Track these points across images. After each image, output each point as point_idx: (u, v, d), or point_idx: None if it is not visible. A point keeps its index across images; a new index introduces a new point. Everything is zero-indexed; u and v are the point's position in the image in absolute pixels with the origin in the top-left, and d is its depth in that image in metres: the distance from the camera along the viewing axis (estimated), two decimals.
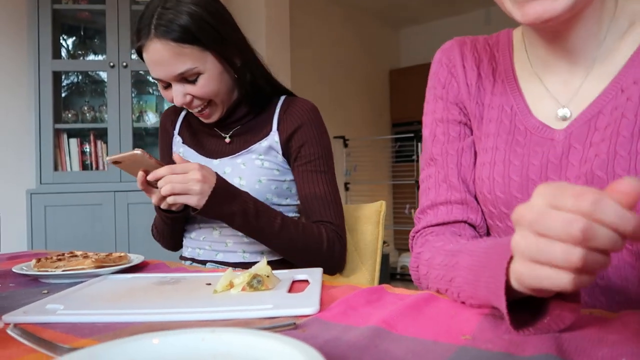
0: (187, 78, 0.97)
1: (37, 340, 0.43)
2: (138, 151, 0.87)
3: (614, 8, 0.60)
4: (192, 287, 0.67)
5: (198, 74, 0.96)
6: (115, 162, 0.90)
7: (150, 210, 1.08)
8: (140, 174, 0.91)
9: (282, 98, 1.11)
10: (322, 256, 0.98)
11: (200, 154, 1.11)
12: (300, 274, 0.73)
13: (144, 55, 0.97)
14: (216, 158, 1.09)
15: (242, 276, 0.64)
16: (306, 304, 0.54)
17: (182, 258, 1.12)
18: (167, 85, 1.00)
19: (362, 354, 0.39)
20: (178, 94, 0.98)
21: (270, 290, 0.63)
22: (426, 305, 0.52)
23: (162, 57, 0.94)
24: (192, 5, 0.94)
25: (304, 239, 0.98)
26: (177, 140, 1.16)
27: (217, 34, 0.96)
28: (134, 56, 2.73)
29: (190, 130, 1.16)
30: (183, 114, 1.19)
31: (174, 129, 1.18)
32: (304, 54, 4.17)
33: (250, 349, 0.33)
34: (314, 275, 0.71)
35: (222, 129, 1.11)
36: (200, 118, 1.07)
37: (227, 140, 1.10)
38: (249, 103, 1.08)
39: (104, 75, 2.81)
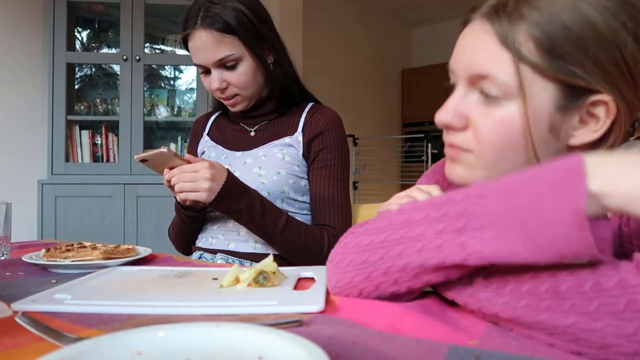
0: (225, 65, 1.05)
1: (44, 328, 0.43)
2: (164, 149, 0.91)
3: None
4: (199, 281, 0.67)
5: (235, 62, 1.05)
6: (142, 160, 0.93)
7: (159, 203, 1.10)
8: (166, 170, 0.96)
9: (310, 104, 1.18)
10: (321, 259, 1.01)
11: (225, 147, 1.18)
12: (306, 271, 0.73)
13: (189, 43, 1.06)
14: (239, 150, 1.15)
15: (248, 272, 0.64)
16: (311, 301, 0.54)
17: (195, 248, 1.15)
18: (207, 72, 1.08)
19: (367, 353, 0.38)
20: (215, 79, 1.06)
21: (275, 287, 0.63)
22: (432, 308, 0.52)
23: (204, 44, 1.03)
24: (237, 2, 1.03)
25: (305, 240, 1.02)
26: (205, 139, 1.24)
27: (255, 30, 1.05)
28: (147, 50, 2.75)
29: (219, 129, 1.24)
30: (213, 117, 1.27)
31: (204, 130, 1.26)
32: (316, 51, 4.16)
33: (254, 345, 0.33)
34: (320, 273, 0.71)
35: (248, 124, 1.18)
36: (227, 105, 1.14)
37: (252, 133, 1.17)
38: (277, 101, 1.14)
39: (117, 68, 2.83)
